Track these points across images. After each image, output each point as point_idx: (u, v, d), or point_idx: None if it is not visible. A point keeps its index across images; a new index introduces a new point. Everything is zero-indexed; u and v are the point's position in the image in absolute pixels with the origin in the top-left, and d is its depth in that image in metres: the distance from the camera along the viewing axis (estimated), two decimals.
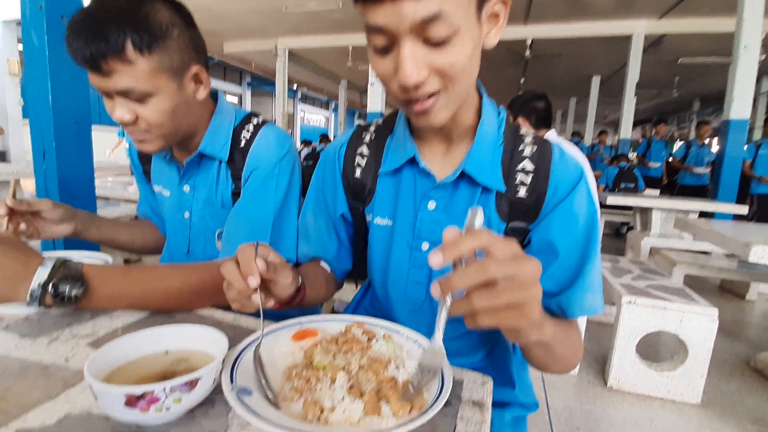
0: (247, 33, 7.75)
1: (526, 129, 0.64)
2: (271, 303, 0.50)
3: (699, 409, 1.65)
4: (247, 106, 14.16)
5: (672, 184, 6.23)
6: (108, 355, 0.40)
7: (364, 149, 0.69)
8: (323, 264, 0.75)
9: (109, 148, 8.58)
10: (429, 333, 0.66)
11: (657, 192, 5.49)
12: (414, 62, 0.45)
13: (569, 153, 0.60)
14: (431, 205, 0.62)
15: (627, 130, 6.55)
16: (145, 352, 0.43)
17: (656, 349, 2.15)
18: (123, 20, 0.60)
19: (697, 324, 1.62)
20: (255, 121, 0.83)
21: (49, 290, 0.50)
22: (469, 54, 0.47)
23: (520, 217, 0.60)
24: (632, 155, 7.69)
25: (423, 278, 0.65)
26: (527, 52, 7.03)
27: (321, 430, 0.35)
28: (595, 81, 9.17)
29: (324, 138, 9.36)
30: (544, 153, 0.60)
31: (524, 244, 0.62)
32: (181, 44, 0.67)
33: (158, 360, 0.43)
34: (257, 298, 0.46)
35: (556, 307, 0.58)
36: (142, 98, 0.65)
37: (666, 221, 3.39)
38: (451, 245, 0.34)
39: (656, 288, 1.85)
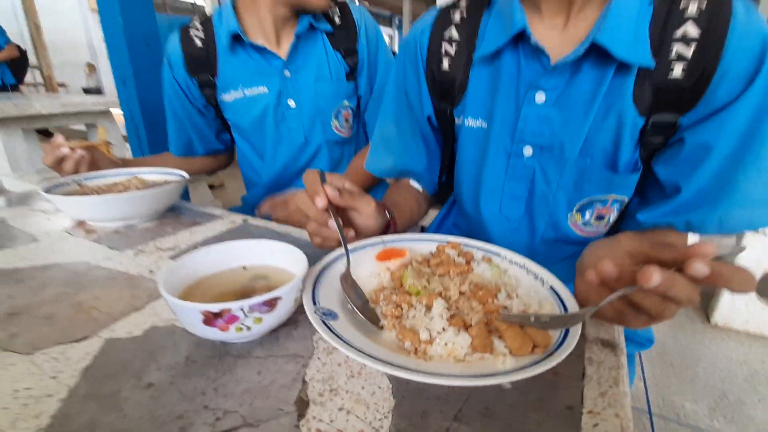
0: None
1: None
2: (352, 233, 0.44)
3: None
4: None
5: None
6: (184, 269, 0.36)
7: (453, 32, 0.55)
8: (412, 183, 0.67)
9: None
10: (525, 251, 0.56)
11: None
12: None
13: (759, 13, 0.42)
14: (540, 97, 0.48)
15: None
16: (222, 266, 0.40)
17: None
18: None
19: None
20: None
21: None
22: None
23: (670, 107, 0.44)
24: None
25: (523, 191, 0.54)
26: None
27: (421, 364, 0.29)
28: None
29: None
30: (718, 11, 0.41)
31: (668, 145, 0.47)
32: None
33: (237, 275, 0.39)
34: (334, 224, 0.41)
35: (683, 225, 0.46)
36: None
37: None
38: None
39: None
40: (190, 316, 0.30)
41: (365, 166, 0.68)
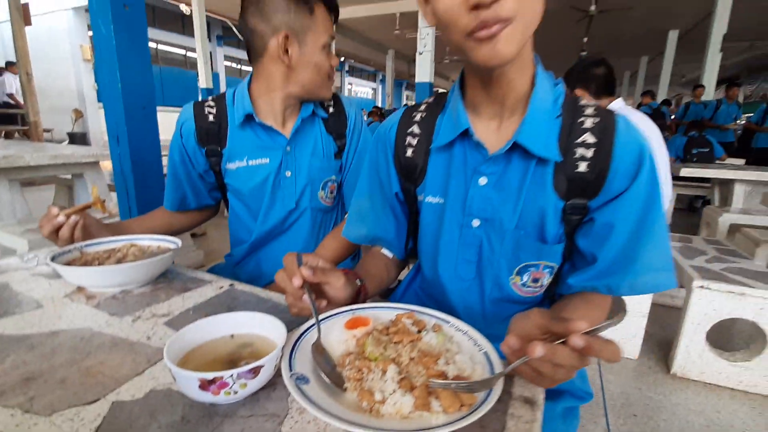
0: None
1: (586, 100, 0.61)
2: (324, 303, 0.54)
3: None
4: None
5: (745, 149, 5.56)
6: (182, 340, 0.44)
7: (415, 128, 0.69)
8: (383, 251, 0.77)
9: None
10: (477, 309, 0.68)
11: (741, 161, 4.91)
12: None
13: (636, 125, 0.57)
14: (482, 180, 0.61)
15: (710, 90, 5.84)
16: (214, 335, 0.47)
17: (726, 335, 1.98)
18: None
19: None
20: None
21: None
22: None
23: (580, 193, 0.58)
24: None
25: (473, 256, 0.65)
26: (592, 7, 6.39)
27: (373, 421, 0.37)
28: (672, 36, 8.18)
29: (375, 112, 8.48)
30: (607, 125, 0.57)
31: (583, 222, 0.60)
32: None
33: (225, 343, 0.47)
34: (307, 299, 0.50)
35: (605, 288, 0.58)
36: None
37: (751, 195, 3.04)
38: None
39: (734, 272, 1.68)
40: (189, 382, 0.37)
41: (342, 233, 0.78)
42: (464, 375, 0.43)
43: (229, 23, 8.65)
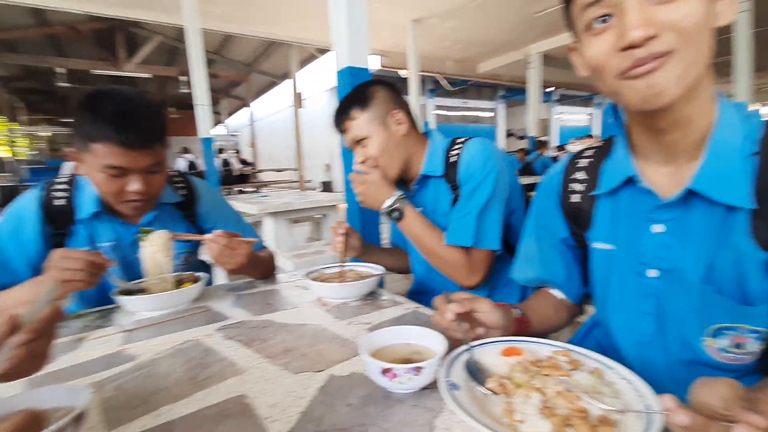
0: (499, 49, 8.03)
1: None
2: (481, 330, 0.61)
3: None
4: (500, 118, 14.51)
5: None
6: (375, 339, 0.60)
7: (579, 174, 0.70)
8: (553, 291, 0.78)
9: None
10: (662, 369, 0.62)
11: None
12: (643, 15, 0.43)
13: None
14: (657, 228, 0.57)
15: None
16: (395, 341, 0.62)
17: None
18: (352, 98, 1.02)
19: None
20: (459, 141, 1.04)
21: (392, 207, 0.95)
22: (704, 11, 0.43)
23: None
24: None
25: (650, 308, 0.60)
26: None
27: None
28: None
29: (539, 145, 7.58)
30: None
31: None
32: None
33: (402, 348, 0.61)
34: (460, 326, 0.58)
35: None
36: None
37: None
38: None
39: None
40: (373, 368, 0.52)
41: (510, 274, 0.83)
42: (610, 419, 0.43)
43: (438, 77, 9.74)
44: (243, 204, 3.10)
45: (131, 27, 8.36)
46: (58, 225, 0.95)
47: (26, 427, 0.29)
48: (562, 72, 9.89)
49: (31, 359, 0.44)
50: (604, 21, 0.47)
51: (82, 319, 0.87)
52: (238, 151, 11.39)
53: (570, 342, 0.84)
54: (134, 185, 0.88)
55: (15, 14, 7.17)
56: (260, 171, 11.84)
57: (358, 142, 1.01)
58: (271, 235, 3.13)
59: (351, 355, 0.65)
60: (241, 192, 8.04)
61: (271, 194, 4.68)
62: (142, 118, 0.86)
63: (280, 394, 0.55)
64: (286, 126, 11.83)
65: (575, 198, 0.69)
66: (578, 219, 0.69)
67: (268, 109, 13.67)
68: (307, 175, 9.96)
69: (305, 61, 8.80)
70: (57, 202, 0.95)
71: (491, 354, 0.58)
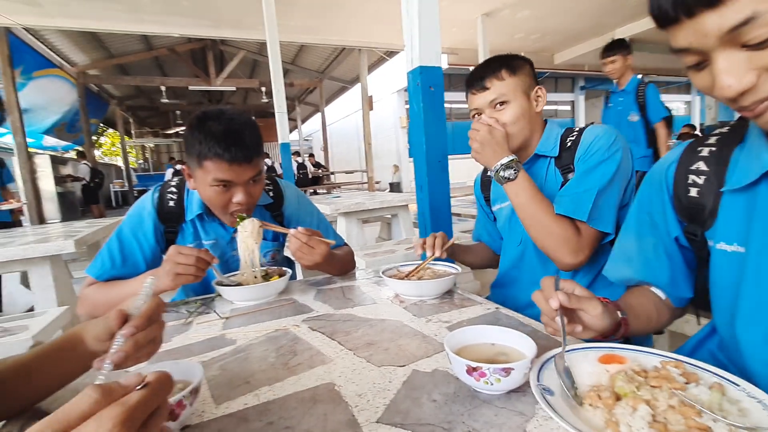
0: (578, 37, 7.49)
1: None
2: (579, 329, 0.57)
3: None
4: (580, 111, 13.52)
5: None
6: (458, 337, 0.59)
7: (701, 165, 0.61)
8: (654, 290, 0.71)
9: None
10: None
11: None
12: (733, 73, 0.41)
13: None
14: None
15: None
16: (479, 341, 0.60)
17: None
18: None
19: None
20: (576, 129, 1.03)
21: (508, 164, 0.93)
22: None
23: None
24: None
25: None
26: None
27: None
28: None
29: (687, 133, 6.95)
30: None
31: None
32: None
33: (487, 348, 0.59)
34: (559, 321, 0.54)
35: None
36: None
37: None
38: None
39: None
40: (460, 366, 0.51)
41: (604, 272, 0.77)
42: None
43: None
44: (317, 205, 3.23)
45: (220, 45, 9.23)
46: (170, 224, 1.08)
47: (166, 387, 0.33)
48: (653, 57, 8.91)
49: (143, 347, 0.49)
50: (699, 66, 0.46)
51: (187, 306, 0.98)
52: (312, 155, 12.00)
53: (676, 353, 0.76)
54: (238, 196, 0.97)
55: (128, 42, 8.30)
56: (332, 173, 12.34)
57: (496, 104, 1.00)
58: (343, 234, 3.24)
59: (433, 352, 0.65)
60: (315, 193, 8.46)
61: (343, 195, 4.86)
62: (245, 135, 0.94)
63: (366, 385, 0.56)
64: (355, 129, 12.21)
65: (694, 192, 0.61)
66: (696, 216, 0.62)
67: (339, 113, 14.21)
68: (376, 176, 10.17)
69: (374, 65, 9.01)
70: (170, 204, 1.08)
71: (587, 360, 0.54)
